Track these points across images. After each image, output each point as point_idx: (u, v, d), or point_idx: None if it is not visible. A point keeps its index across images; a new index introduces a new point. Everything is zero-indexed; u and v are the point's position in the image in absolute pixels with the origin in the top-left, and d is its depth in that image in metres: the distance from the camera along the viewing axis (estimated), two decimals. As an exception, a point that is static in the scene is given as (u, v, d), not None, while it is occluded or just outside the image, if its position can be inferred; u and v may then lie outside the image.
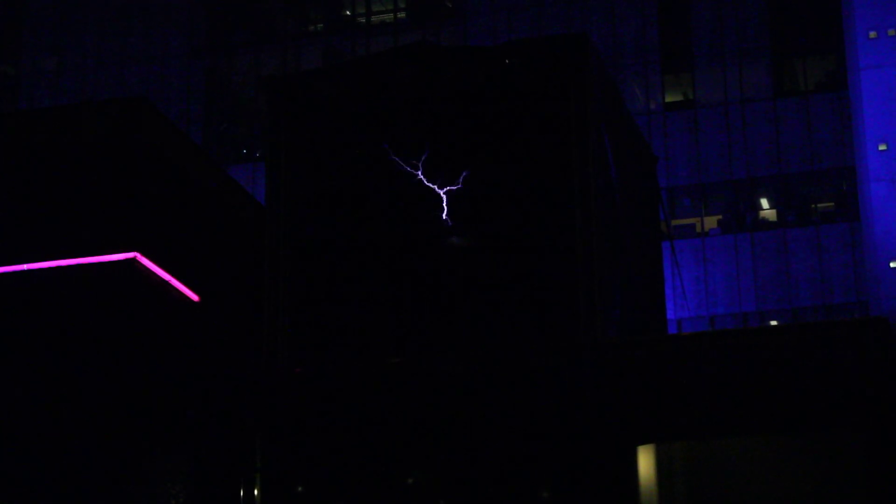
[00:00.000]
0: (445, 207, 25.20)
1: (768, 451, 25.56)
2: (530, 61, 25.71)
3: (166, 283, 25.58)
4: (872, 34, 48.19)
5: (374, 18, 56.12)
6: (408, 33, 53.74)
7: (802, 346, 23.39)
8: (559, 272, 24.48)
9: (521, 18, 52.92)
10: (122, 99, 32.20)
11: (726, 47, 50.72)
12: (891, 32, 48.09)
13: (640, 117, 48.92)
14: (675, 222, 48.83)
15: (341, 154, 26.47)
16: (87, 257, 24.83)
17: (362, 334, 25.27)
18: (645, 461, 24.30)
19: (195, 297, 26.47)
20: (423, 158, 25.44)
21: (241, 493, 26.96)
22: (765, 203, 49.84)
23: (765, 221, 49.48)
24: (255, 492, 26.14)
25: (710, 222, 49.92)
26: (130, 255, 24.62)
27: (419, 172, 25.38)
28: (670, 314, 40.66)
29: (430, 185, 25.34)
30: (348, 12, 56.64)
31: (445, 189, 25.25)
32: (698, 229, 49.82)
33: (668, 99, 51.43)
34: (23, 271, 25.10)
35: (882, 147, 47.19)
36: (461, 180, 25.21)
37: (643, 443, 24.06)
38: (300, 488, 24.73)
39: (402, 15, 56.08)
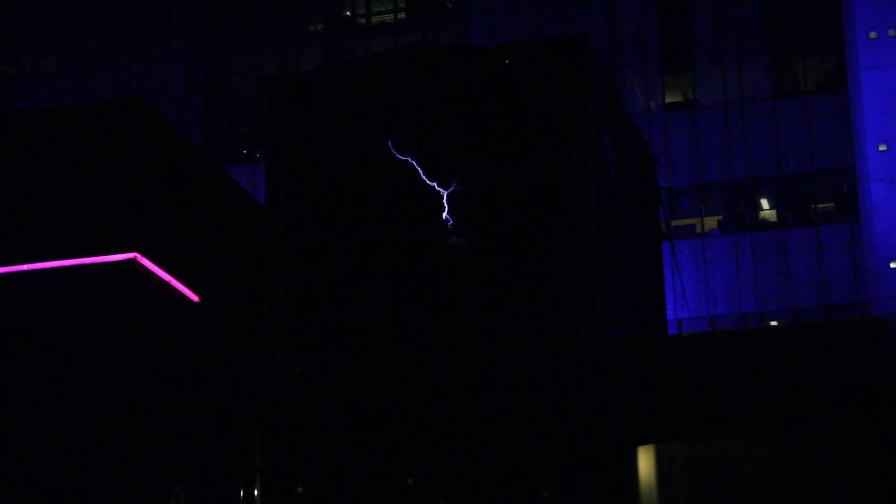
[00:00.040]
0: (445, 207, 25.20)
1: (768, 451, 25.55)
2: (530, 61, 25.72)
3: (166, 283, 25.58)
4: (872, 34, 48.19)
5: (374, 18, 56.12)
6: (408, 33, 53.74)
7: (802, 346, 23.39)
8: (559, 272, 24.48)
9: (521, 18, 52.91)
10: (122, 99, 32.20)
11: (726, 47, 50.72)
12: (891, 33, 48.08)
13: (640, 117, 48.92)
14: (675, 222, 48.84)
15: (341, 154, 26.47)
16: (88, 258, 24.83)
17: (362, 334, 25.27)
18: (645, 461, 24.31)
19: (195, 298, 26.47)
20: (423, 158, 25.44)
21: (241, 493, 26.96)
22: (765, 203, 49.83)
23: (765, 222, 49.48)
24: (255, 492, 26.15)
25: (710, 222, 49.91)
26: (130, 255, 24.62)
27: (420, 172, 25.39)
28: (670, 314, 40.65)
29: (431, 184, 25.34)
30: (348, 12, 56.64)
31: (445, 189, 25.25)
32: (698, 229, 49.82)
33: (668, 99, 51.42)
34: (23, 271, 25.10)
35: (882, 147, 47.18)
36: (461, 180, 25.21)
37: (643, 443, 24.06)
38: (300, 488, 24.74)
39: (402, 15, 56.08)
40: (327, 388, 25.15)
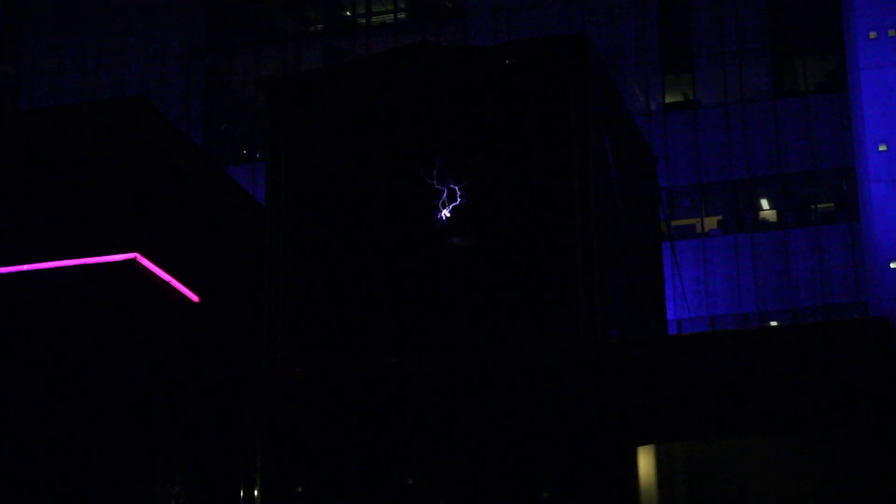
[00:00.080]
0: (445, 207, 25.19)
1: (768, 451, 25.55)
2: (530, 61, 25.72)
3: (166, 283, 25.58)
4: (872, 34, 48.19)
5: (374, 19, 56.12)
6: (408, 33, 53.76)
7: (802, 346, 23.39)
8: (559, 272, 24.48)
9: (521, 18, 52.92)
10: (122, 99, 32.24)
11: (726, 47, 50.73)
12: (891, 33, 48.08)
13: (640, 117, 48.93)
14: (675, 223, 48.84)
15: (341, 154, 26.47)
16: (88, 258, 24.83)
17: (362, 334, 25.27)
18: (645, 461, 24.30)
19: (195, 298, 26.47)
20: (423, 158, 25.44)
21: (241, 493, 26.96)
22: (765, 203, 49.84)
23: (765, 222, 49.48)
24: (255, 492, 26.14)
25: (710, 223, 49.92)
26: (131, 255, 24.62)
27: (421, 173, 25.38)
28: (670, 315, 40.65)
29: (430, 183, 25.33)
30: (348, 12, 56.64)
31: (445, 189, 25.24)
32: (698, 230, 49.82)
33: (668, 99, 51.43)
34: (23, 272, 25.09)
35: (882, 147, 47.18)
36: (461, 180, 25.20)
37: (643, 443, 24.05)
38: (300, 488, 24.73)
39: (402, 15, 56.08)
40: (327, 388, 25.15)
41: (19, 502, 23.96)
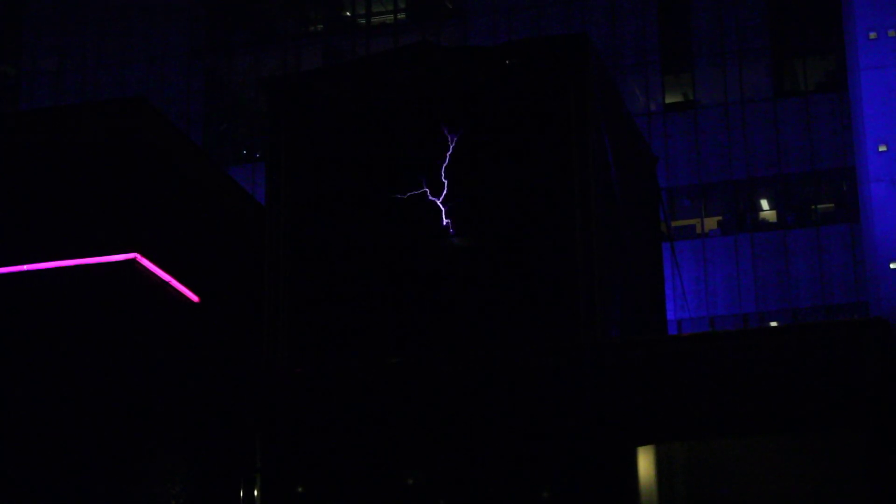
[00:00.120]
0: (445, 207, 25.20)
1: (768, 451, 25.55)
2: (530, 61, 25.72)
3: (166, 283, 25.58)
4: (872, 35, 48.17)
5: (374, 19, 56.12)
6: (408, 33, 53.75)
7: (802, 346, 23.39)
8: (559, 272, 24.48)
9: (521, 18, 52.92)
10: (122, 99, 32.26)
11: (726, 47, 50.72)
12: (891, 33, 48.06)
13: (640, 117, 48.93)
14: (675, 223, 48.83)
15: (341, 154, 26.47)
16: (88, 258, 24.84)
17: (362, 334, 25.27)
18: (645, 461, 24.31)
19: (195, 298, 26.47)
20: (422, 158, 25.44)
21: (241, 493, 26.96)
22: (765, 204, 49.83)
23: (765, 222, 49.48)
24: (255, 492, 26.15)
25: (710, 223, 49.92)
26: (130, 255, 24.63)
27: (421, 172, 25.39)
28: (670, 315, 40.65)
29: (430, 184, 25.34)
30: (348, 12, 56.64)
31: (445, 189, 25.25)
32: (698, 230, 49.82)
33: (668, 99, 51.42)
34: (23, 272, 25.10)
35: (882, 148, 47.17)
36: (461, 180, 25.21)
37: (643, 443, 24.06)
38: (300, 488, 24.74)
39: (402, 15, 56.08)
40: (327, 388, 25.15)
41: (19, 502, 23.96)
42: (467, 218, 25.18)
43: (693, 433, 24.24)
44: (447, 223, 25.16)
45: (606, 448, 23.35)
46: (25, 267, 25.07)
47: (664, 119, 50.68)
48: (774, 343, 23.84)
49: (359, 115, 26.50)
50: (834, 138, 48.75)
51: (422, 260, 25.33)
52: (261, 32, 56.74)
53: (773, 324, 46.78)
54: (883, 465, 22.28)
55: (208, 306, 26.86)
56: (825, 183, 49.15)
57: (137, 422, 24.45)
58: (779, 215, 49.24)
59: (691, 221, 50.04)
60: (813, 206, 49.12)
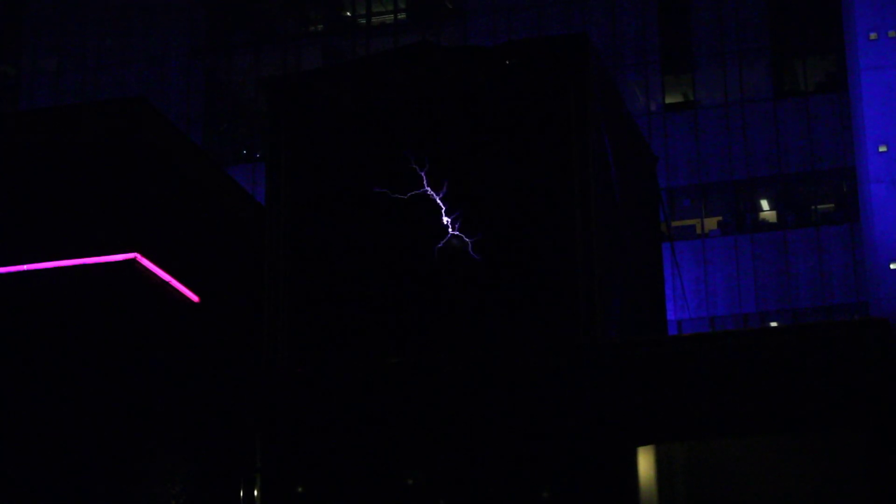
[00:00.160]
0: (445, 207, 25.19)
1: (768, 451, 25.55)
2: (530, 61, 25.71)
3: (166, 283, 25.58)
4: (873, 35, 48.19)
5: (374, 19, 56.14)
6: (408, 33, 53.76)
7: (802, 346, 23.38)
8: (559, 272, 24.47)
9: (521, 18, 52.92)
10: (122, 99, 32.23)
11: (726, 47, 50.73)
12: (891, 34, 48.08)
13: (640, 117, 48.93)
14: (675, 223, 48.83)
15: (341, 154, 26.46)
16: (88, 258, 24.84)
17: (362, 334, 25.26)
18: (645, 461, 24.30)
19: (195, 298, 26.47)
20: (422, 158, 25.44)
21: (241, 493, 26.96)
22: (765, 204, 49.84)
23: (765, 222, 49.48)
24: (255, 492, 26.14)
25: (711, 223, 49.93)
26: (130, 255, 24.62)
27: (421, 172, 25.38)
28: (670, 315, 40.66)
29: (430, 184, 25.34)
30: (348, 12, 56.65)
31: (445, 189, 25.25)
32: (698, 230, 49.83)
33: (668, 99, 51.44)
34: (23, 272, 25.09)
35: (882, 148, 47.18)
36: (461, 180, 25.21)
37: (643, 443, 24.05)
38: (300, 488, 24.73)
39: (402, 15, 56.09)
40: (327, 388, 25.15)
41: (19, 502, 23.96)
42: (467, 218, 25.17)
43: (693, 433, 24.24)
44: (447, 223, 25.16)
45: (606, 448, 23.34)
46: (25, 267, 25.07)
47: (664, 119, 50.69)
48: (774, 343, 23.83)
49: (359, 115, 26.50)
50: (834, 138, 48.77)
51: (421, 260, 25.32)
52: (261, 32, 56.74)
53: (773, 324, 46.80)
54: (883, 465, 22.27)
55: (208, 306, 26.86)
56: (825, 183, 49.17)
57: (137, 422, 24.45)
58: (779, 215, 49.26)
59: (691, 222, 50.06)
60: (813, 207, 49.13)
